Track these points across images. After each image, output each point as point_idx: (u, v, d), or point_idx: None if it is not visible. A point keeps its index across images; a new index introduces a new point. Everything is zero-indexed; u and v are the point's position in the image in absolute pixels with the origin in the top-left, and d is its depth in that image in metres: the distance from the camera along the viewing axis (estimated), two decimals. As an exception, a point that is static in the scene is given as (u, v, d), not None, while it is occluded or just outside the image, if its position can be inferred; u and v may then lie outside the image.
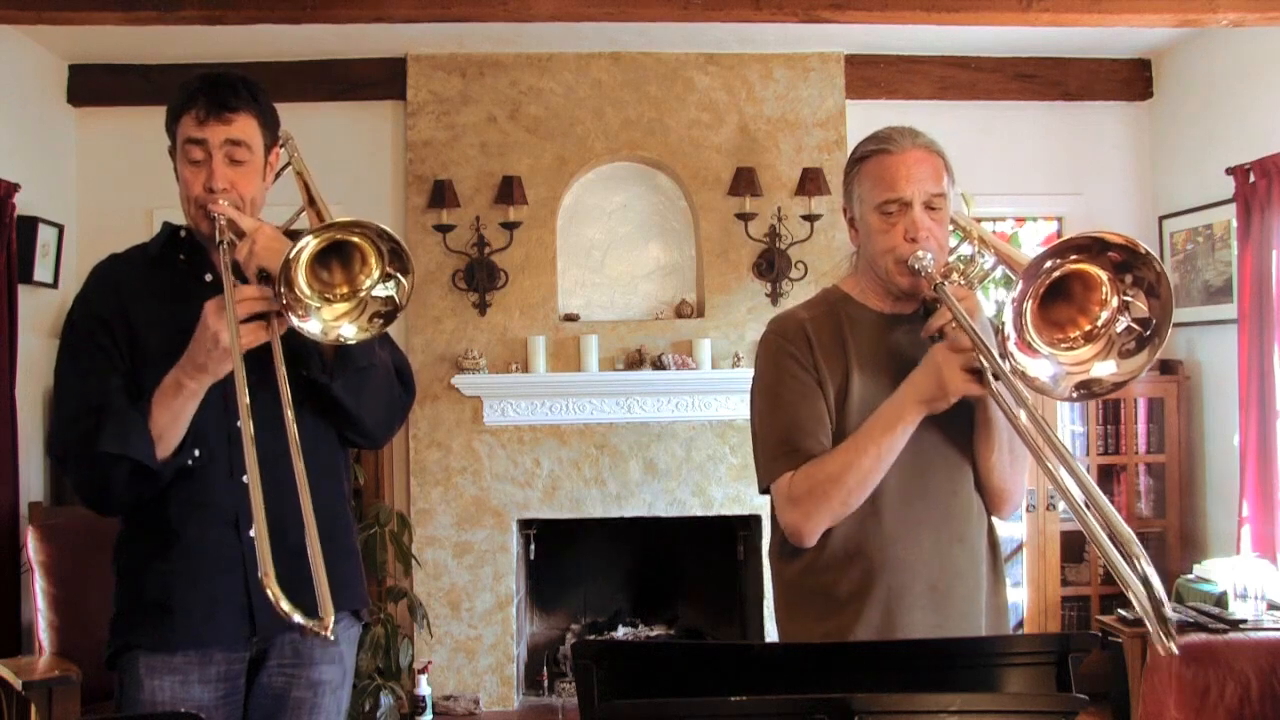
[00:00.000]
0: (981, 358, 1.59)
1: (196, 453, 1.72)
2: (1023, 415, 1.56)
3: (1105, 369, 1.56)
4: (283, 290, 1.57)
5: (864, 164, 1.77)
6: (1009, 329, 1.53)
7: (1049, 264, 1.52)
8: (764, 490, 1.81)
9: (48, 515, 3.79)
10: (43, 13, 3.34)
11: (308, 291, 1.61)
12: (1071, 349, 1.58)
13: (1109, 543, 1.36)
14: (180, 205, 1.81)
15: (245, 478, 1.70)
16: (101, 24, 3.49)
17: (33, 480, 4.12)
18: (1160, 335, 1.52)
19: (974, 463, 1.78)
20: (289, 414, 1.60)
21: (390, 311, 1.65)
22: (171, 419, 1.67)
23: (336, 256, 1.64)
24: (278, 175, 1.90)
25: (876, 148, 1.76)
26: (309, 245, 1.57)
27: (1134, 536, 1.33)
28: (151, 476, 1.68)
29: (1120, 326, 1.55)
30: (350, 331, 1.64)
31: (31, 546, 3.61)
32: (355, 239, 1.61)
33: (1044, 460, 1.50)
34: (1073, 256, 1.52)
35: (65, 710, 3.21)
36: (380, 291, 1.65)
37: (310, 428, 1.61)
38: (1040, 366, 1.57)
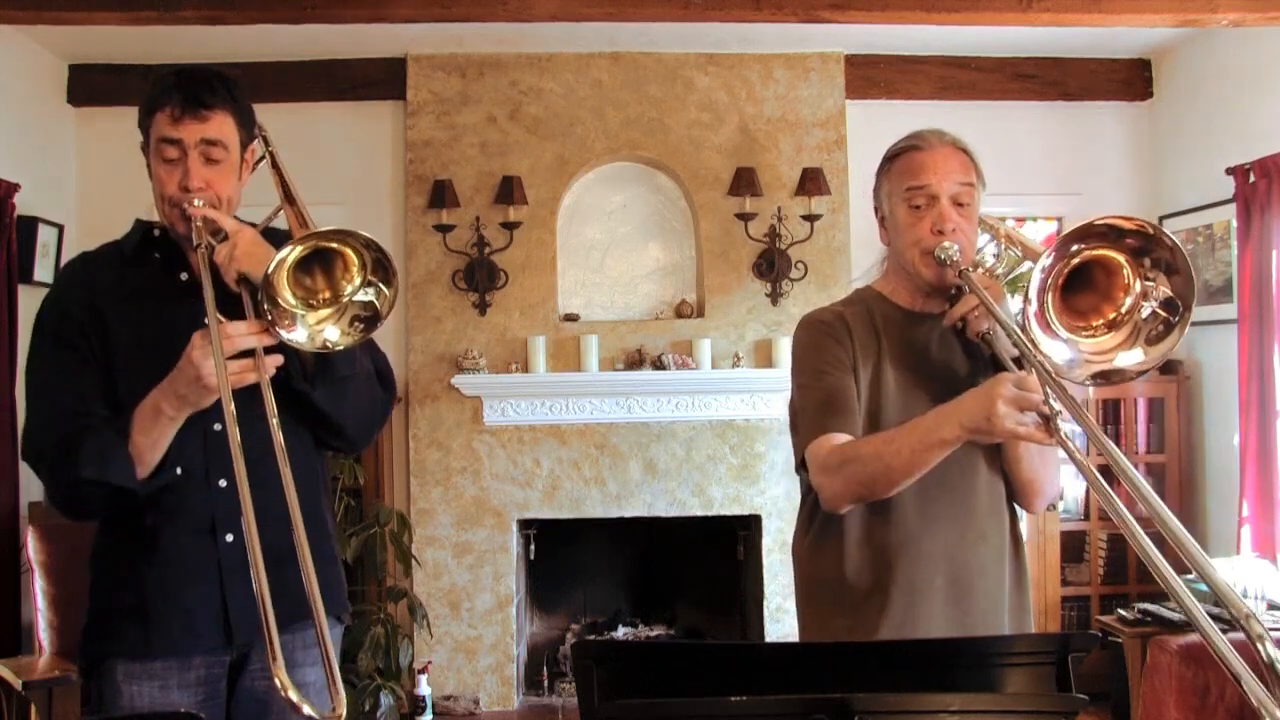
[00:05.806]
0: (1040, 389, 1.51)
1: (178, 471, 1.68)
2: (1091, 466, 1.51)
3: (1131, 358, 1.54)
4: (266, 306, 1.54)
5: (894, 161, 1.79)
6: (1032, 293, 1.49)
7: (1075, 246, 1.49)
8: (800, 464, 1.79)
9: (48, 515, 3.78)
10: (43, 13, 3.35)
11: (292, 301, 1.58)
12: (1093, 337, 1.56)
13: (1212, 630, 1.19)
14: (154, 202, 1.75)
15: (222, 481, 1.70)
16: (101, 24, 3.49)
17: (33, 480, 4.10)
18: (1189, 309, 1.49)
19: (1001, 453, 1.76)
20: (274, 423, 1.56)
21: (371, 317, 1.60)
22: (151, 444, 1.63)
23: (318, 261, 1.60)
24: (253, 168, 1.84)
25: (907, 145, 1.78)
26: (291, 255, 1.53)
27: (1251, 610, 1.20)
28: (130, 494, 1.65)
29: (1145, 312, 1.52)
30: (334, 335, 1.60)
31: (31, 546, 3.61)
32: (336, 245, 1.57)
33: (1135, 537, 1.41)
34: (1095, 242, 1.50)
35: (65, 710, 3.21)
36: (361, 297, 1.60)
37: (287, 433, 1.56)
38: (1057, 349, 1.53)
